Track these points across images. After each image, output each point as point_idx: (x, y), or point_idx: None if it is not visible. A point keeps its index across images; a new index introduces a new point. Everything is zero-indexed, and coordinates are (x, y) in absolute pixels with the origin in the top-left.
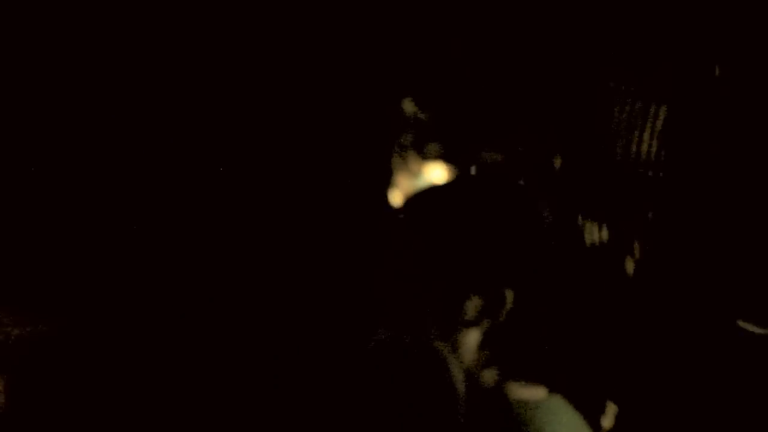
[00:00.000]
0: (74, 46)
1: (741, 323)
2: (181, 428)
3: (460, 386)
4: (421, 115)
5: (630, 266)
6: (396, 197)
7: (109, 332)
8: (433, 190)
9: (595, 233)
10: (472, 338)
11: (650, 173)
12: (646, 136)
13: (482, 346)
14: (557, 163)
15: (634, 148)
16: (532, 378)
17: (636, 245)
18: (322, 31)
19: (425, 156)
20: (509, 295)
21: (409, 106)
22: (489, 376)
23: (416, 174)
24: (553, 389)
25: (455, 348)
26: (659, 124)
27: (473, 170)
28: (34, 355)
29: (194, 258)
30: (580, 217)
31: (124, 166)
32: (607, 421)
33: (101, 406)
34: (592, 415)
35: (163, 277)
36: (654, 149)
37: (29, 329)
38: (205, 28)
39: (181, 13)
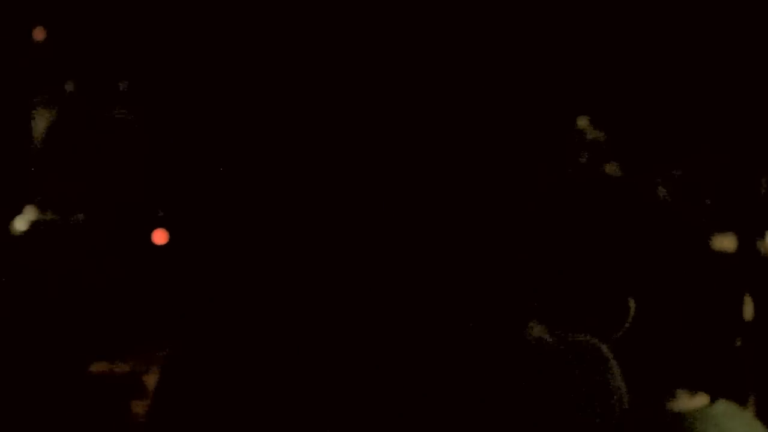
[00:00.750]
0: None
1: None
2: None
3: (623, 392)
4: (598, 134)
5: None
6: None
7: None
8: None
9: None
10: (631, 341)
11: None
12: None
13: (641, 351)
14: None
15: None
16: (692, 386)
17: None
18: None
19: (602, 174)
20: (665, 302)
21: (584, 124)
22: (649, 384)
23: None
24: (715, 396)
25: (615, 352)
26: None
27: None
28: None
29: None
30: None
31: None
32: None
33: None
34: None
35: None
36: None
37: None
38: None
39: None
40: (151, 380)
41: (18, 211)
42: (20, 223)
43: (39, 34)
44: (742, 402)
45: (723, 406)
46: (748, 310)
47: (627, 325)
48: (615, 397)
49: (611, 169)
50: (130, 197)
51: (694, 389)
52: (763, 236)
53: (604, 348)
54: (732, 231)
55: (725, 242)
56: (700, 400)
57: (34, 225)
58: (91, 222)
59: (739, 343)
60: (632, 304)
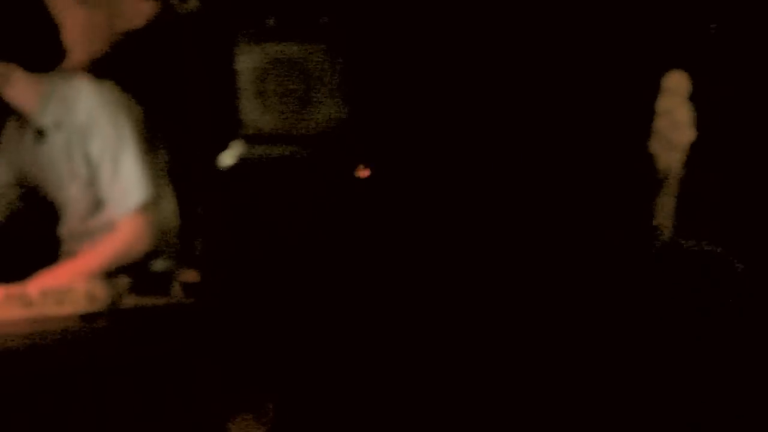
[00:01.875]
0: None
1: None
2: None
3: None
4: None
5: None
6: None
7: None
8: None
9: None
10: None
11: None
12: None
13: None
14: None
15: None
16: None
17: None
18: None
19: None
20: None
21: None
22: None
23: None
24: None
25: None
26: None
27: None
28: None
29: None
30: None
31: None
32: None
33: None
34: None
35: None
36: None
37: None
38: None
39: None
40: None
41: (224, 147)
42: (227, 159)
43: None
44: None
45: None
46: None
47: None
48: (741, 311)
49: None
50: (333, 131)
51: None
52: None
53: (735, 262)
54: None
55: None
56: None
57: (241, 160)
58: (296, 157)
59: None
60: None
